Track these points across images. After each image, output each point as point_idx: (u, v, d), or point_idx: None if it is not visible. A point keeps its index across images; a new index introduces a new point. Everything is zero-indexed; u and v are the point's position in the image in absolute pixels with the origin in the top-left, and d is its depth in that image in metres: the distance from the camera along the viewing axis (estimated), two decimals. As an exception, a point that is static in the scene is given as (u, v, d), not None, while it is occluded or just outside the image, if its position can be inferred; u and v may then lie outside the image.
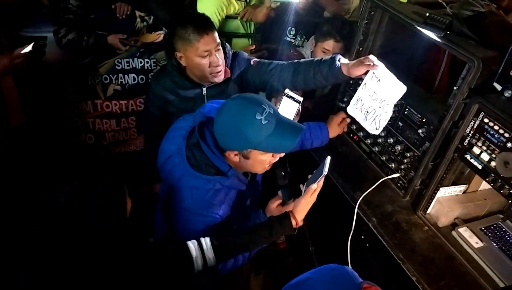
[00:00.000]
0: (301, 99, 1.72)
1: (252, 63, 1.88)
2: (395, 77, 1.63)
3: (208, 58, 1.75)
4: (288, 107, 1.71)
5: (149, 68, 2.68)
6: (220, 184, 1.45)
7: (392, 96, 1.65)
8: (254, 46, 2.52)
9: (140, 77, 2.69)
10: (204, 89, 1.90)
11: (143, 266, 1.34)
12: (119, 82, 2.67)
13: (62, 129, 2.55)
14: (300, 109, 1.77)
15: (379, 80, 1.65)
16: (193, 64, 1.79)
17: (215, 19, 2.59)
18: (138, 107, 2.76)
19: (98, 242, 1.26)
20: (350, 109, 1.82)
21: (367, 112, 1.75)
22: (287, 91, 1.71)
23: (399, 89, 1.62)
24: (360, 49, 2.04)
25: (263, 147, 1.36)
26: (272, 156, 1.45)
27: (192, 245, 1.38)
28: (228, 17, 2.70)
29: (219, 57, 1.77)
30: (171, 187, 1.53)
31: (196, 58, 1.75)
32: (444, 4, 1.83)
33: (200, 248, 1.38)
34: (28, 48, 1.98)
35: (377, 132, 1.76)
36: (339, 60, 1.66)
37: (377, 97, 1.69)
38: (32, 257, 1.16)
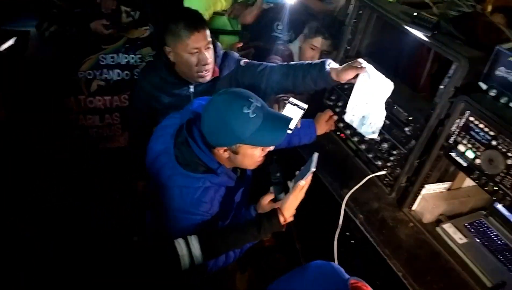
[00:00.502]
0: (305, 106, 1.71)
1: (242, 63, 1.86)
2: (383, 76, 1.64)
3: (197, 56, 1.73)
4: (292, 114, 1.69)
5: (134, 64, 2.64)
6: (209, 182, 1.44)
7: (382, 95, 1.65)
8: (241, 44, 2.51)
9: (125, 73, 2.65)
10: (192, 87, 1.88)
11: (129, 264, 1.32)
12: (103, 78, 2.63)
13: (44, 125, 2.49)
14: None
15: (369, 82, 1.64)
16: (181, 61, 1.76)
17: (206, 16, 2.57)
18: (122, 103, 2.72)
19: (94, 240, 1.24)
20: (347, 117, 1.80)
21: (363, 116, 1.74)
22: (291, 99, 1.71)
23: (387, 86, 1.63)
24: (348, 48, 2.06)
25: (252, 141, 1.35)
26: (262, 150, 1.44)
27: (179, 243, 1.37)
28: (216, 14, 2.68)
29: (209, 56, 1.75)
30: (160, 186, 1.51)
31: (185, 54, 1.72)
32: (431, 4, 1.86)
33: (187, 246, 1.37)
34: (10, 42, 1.92)
35: (374, 136, 1.75)
36: (328, 65, 1.65)
37: (369, 100, 1.68)
38: (32, 255, 1.13)
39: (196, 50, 1.71)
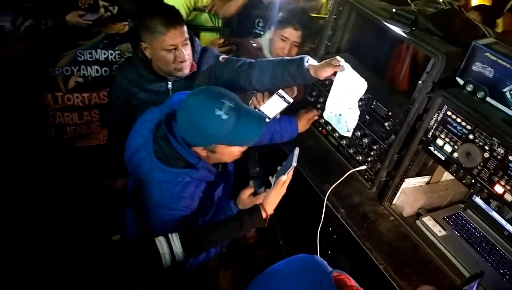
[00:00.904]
0: (291, 100, 1.71)
1: (220, 59, 1.84)
2: (358, 74, 1.63)
3: (174, 53, 1.70)
4: (275, 105, 1.70)
5: (113, 60, 2.59)
6: (189, 177, 1.42)
7: (356, 94, 1.65)
8: (222, 40, 2.48)
9: (103, 69, 2.60)
10: (170, 83, 1.85)
11: (110, 263, 1.29)
12: (81, 74, 2.57)
13: (21, 123, 2.42)
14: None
15: (346, 81, 1.64)
16: (157, 57, 1.73)
17: (183, 12, 2.54)
18: (101, 100, 2.67)
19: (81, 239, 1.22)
20: (326, 114, 1.81)
21: (340, 115, 1.75)
22: (280, 91, 1.71)
23: (361, 86, 1.63)
24: (329, 44, 2.07)
25: (227, 141, 1.35)
26: (241, 146, 1.44)
27: (159, 241, 1.35)
28: (196, 10, 2.66)
29: (186, 52, 1.72)
30: (139, 182, 1.49)
31: (161, 51, 1.69)
32: (409, 1, 1.88)
33: (168, 244, 1.35)
34: None
35: (349, 134, 1.76)
36: (307, 61, 1.64)
37: (346, 98, 1.69)
38: (26, 254, 1.10)
39: (172, 47, 1.68)
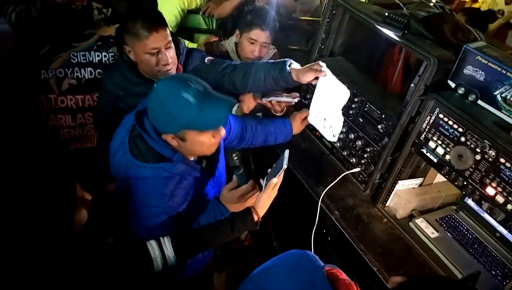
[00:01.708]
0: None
1: (206, 61, 1.84)
2: (340, 82, 1.62)
3: (157, 56, 1.69)
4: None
5: (107, 62, 2.57)
6: (167, 171, 1.40)
7: (339, 101, 1.64)
8: (217, 38, 2.48)
9: (97, 71, 2.58)
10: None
11: (102, 266, 1.29)
12: (75, 76, 2.55)
13: (13, 124, 2.40)
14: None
15: (328, 86, 1.63)
16: (141, 60, 1.73)
17: (177, 14, 2.54)
18: (95, 102, 2.64)
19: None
20: (310, 119, 1.80)
21: (325, 119, 1.74)
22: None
23: (344, 94, 1.61)
24: (322, 47, 2.08)
25: (195, 126, 1.33)
26: (213, 136, 1.41)
27: (151, 244, 1.34)
28: (190, 12, 2.66)
29: (169, 55, 1.71)
30: (120, 182, 1.49)
31: (144, 54, 1.69)
32: (401, 5, 1.90)
33: (160, 247, 1.35)
34: None
35: (334, 139, 1.75)
36: (289, 65, 1.63)
37: (329, 104, 1.68)
38: (25, 253, 1.09)
39: (155, 50, 1.68)
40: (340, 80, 1.94)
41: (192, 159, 1.49)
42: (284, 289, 0.97)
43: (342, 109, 1.92)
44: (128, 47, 1.72)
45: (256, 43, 2.07)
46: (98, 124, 2.37)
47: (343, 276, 0.98)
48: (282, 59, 1.67)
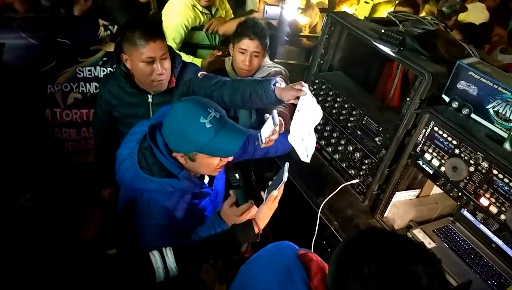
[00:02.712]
0: (278, 122, 1.61)
1: (199, 75, 1.89)
2: (316, 102, 1.61)
3: (152, 65, 1.74)
4: (267, 127, 1.65)
5: (112, 76, 2.65)
6: (171, 187, 1.44)
7: (313, 121, 1.64)
8: (220, 52, 2.55)
9: (102, 86, 2.66)
10: (150, 96, 1.90)
11: (104, 277, 1.32)
12: (80, 91, 2.62)
13: (19, 137, 2.46)
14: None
15: (307, 106, 1.62)
16: (136, 68, 1.78)
17: (181, 30, 2.62)
18: (99, 117, 2.72)
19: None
20: (290, 138, 1.71)
21: (302, 139, 1.71)
22: (274, 112, 1.63)
23: (317, 114, 1.61)
24: (322, 62, 2.15)
25: (207, 150, 1.38)
26: (220, 160, 1.46)
27: (154, 255, 1.37)
28: (194, 29, 2.74)
29: (164, 66, 1.76)
30: (125, 192, 1.53)
31: (140, 63, 1.74)
32: (397, 22, 1.97)
33: (162, 258, 1.37)
34: None
35: (307, 160, 1.69)
36: (274, 84, 1.66)
37: (306, 124, 1.66)
38: (26, 255, 1.13)
39: (150, 59, 1.72)
40: (338, 93, 2.02)
41: (195, 175, 1.54)
42: (264, 277, 1.08)
43: (341, 122, 1.98)
44: (126, 55, 1.78)
45: (246, 52, 2.09)
46: (93, 132, 2.43)
47: (316, 258, 1.07)
48: (269, 78, 1.72)
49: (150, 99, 1.89)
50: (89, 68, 2.59)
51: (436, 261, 0.87)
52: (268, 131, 1.58)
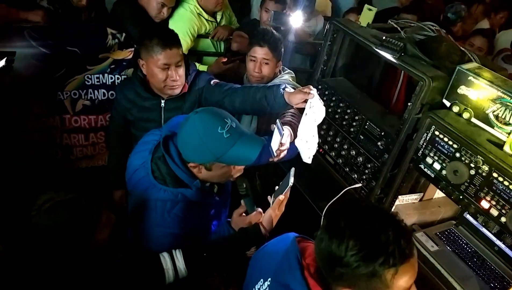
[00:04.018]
0: (283, 131, 1.66)
1: (211, 83, 1.94)
2: (321, 103, 1.62)
3: (166, 72, 1.81)
4: (275, 138, 1.68)
5: (120, 84, 2.71)
6: (184, 196, 1.47)
7: (316, 120, 1.63)
8: (225, 59, 2.60)
9: (110, 92, 2.70)
10: (163, 101, 1.95)
11: (115, 277, 1.35)
12: (89, 98, 2.67)
13: (29, 144, 2.52)
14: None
15: (314, 109, 1.63)
16: (151, 74, 1.85)
17: (187, 38, 2.67)
18: (107, 122, 2.76)
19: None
20: (297, 141, 1.72)
21: (307, 142, 1.71)
22: (277, 122, 1.67)
23: (321, 113, 1.61)
24: (325, 68, 2.19)
25: (225, 160, 1.41)
26: (233, 168, 1.49)
27: (163, 256, 1.40)
28: (200, 36, 2.79)
29: (178, 73, 1.83)
30: (137, 201, 1.55)
31: (155, 69, 1.81)
32: (399, 29, 2.01)
33: (172, 259, 1.40)
34: (1, 62, 1.98)
35: (309, 161, 1.71)
36: (283, 88, 1.70)
37: (311, 126, 1.66)
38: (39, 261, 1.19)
39: (166, 66, 1.79)
40: (341, 99, 2.05)
41: (207, 184, 1.56)
42: (268, 259, 1.20)
43: (344, 127, 2.00)
44: (142, 60, 1.86)
45: (256, 60, 2.12)
46: (109, 136, 2.50)
47: (310, 242, 1.14)
48: (278, 83, 1.76)
49: (162, 104, 1.95)
50: (97, 75, 2.64)
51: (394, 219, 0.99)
52: (276, 143, 1.61)
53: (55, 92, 2.57)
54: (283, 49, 2.22)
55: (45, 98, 2.55)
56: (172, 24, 2.65)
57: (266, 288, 1.14)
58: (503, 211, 1.42)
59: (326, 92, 2.13)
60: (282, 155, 1.71)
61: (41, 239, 1.23)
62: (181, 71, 1.85)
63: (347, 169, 2.01)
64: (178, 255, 1.41)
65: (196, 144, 1.39)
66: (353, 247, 0.91)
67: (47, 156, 2.65)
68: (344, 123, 2.03)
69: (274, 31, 2.21)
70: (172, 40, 1.81)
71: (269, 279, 1.14)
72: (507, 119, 1.49)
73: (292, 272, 1.05)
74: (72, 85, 2.60)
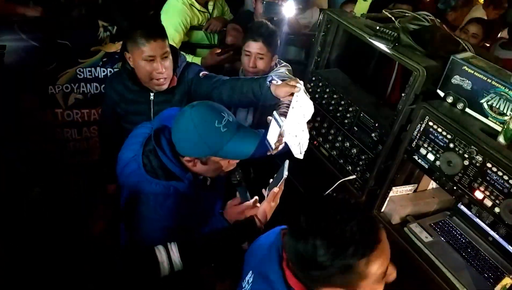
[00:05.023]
0: (282, 123, 1.62)
1: (201, 75, 1.91)
2: (308, 98, 1.62)
3: (152, 64, 1.77)
4: (273, 131, 1.65)
5: (112, 77, 2.68)
6: (176, 189, 1.46)
7: (306, 117, 1.63)
8: (219, 50, 2.57)
9: (102, 86, 2.67)
10: (152, 94, 1.92)
11: (109, 270, 1.35)
12: (81, 91, 2.65)
13: (21, 139, 2.50)
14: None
15: (301, 103, 1.61)
16: (137, 66, 1.82)
17: (180, 30, 2.64)
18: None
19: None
20: (286, 137, 1.66)
21: (296, 136, 1.69)
22: (274, 113, 1.64)
23: (310, 109, 1.61)
24: (318, 59, 2.17)
25: (221, 154, 1.41)
26: (228, 162, 1.48)
27: (159, 249, 1.39)
28: (193, 28, 2.76)
29: (164, 65, 1.79)
30: (129, 194, 1.53)
31: (141, 61, 1.78)
32: (393, 18, 1.98)
33: (167, 252, 1.40)
34: None
35: (301, 157, 1.69)
36: (270, 81, 1.69)
37: (300, 120, 1.65)
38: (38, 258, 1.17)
39: (151, 58, 1.76)
40: (335, 90, 2.04)
41: (200, 177, 1.55)
42: (257, 252, 1.22)
43: (338, 119, 1.99)
44: (128, 53, 1.82)
45: (251, 54, 2.10)
46: (99, 130, 2.48)
47: None
48: (265, 75, 1.74)
49: (151, 97, 1.93)
50: (89, 68, 2.61)
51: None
52: (275, 135, 1.59)
53: (47, 86, 2.54)
54: (279, 42, 2.20)
55: (36, 92, 2.53)
56: (164, 16, 2.62)
57: (250, 278, 1.17)
58: (497, 201, 1.41)
59: (320, 84, 2.12)
60: (280, 147, 1.69)
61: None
62: (168, 63, 1.81)
63: (341, 161, 2.00)
64: (174, 248, 1.40)
65: (193, 138, 1.37)
66: (321, 246, 0.91)
67: (41, 151, 2.63)
68: (338, 114, 2.01)
69: (269, 24, 2.19)
70: (156, 31, 1.78)
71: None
72: (501, 108, 1.48)
73: (271, 263, 1.07)
74: (64, 78, 2.58)
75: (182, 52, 2.25)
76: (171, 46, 1.85)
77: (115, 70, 2.66)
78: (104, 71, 2.65)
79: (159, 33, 1.79)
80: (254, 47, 2.08)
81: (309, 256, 0.92)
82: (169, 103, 1.90)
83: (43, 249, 1.22)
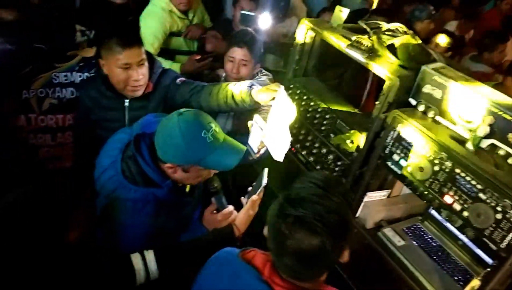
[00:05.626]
0: (264, 126, 1.66)
1: (177, 81, 1.91)
2: (290, 101, 1.62)
3: (127, 71, 1.75)
4: (255, 136, 1.69)
5: (89, 82, 2.65)
6: (155, 196, 1.45)
7: (288, 120, 1.63)
8: (199, 56, 2.58)
9: (78, 91, 2.64)
10: (127, 101, 1.90)
11: (84, 277, 1.32)
12: (56, 96, 2.60)
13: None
14: None
15: (281, 106, 1.62)
16: (112, 74, 1.79)
17: (159, 36, 2.64)
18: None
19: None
20: (265, 140, 1.69)
21: (277, 139, 1.69)
22: (255, 117, 1.66)
23: (292, 112, 1.60)
24: (296, 67, 2.21)
25: (204, 163, 1.41)
26: (209, 172, 1.50)
27: (135, 257, 1.38)
28: (172, 35, 2.76)
29: (140, 72, 1.77)
30: (106, 201, 1.51)
31: (116, 69, 1.75)
32: (369, 29, 2.05)
33: (143, 260, 1.38)
34: None
35: (281, 159, 1.69)
36: (250, 86, 1.70)
37: (281, 123, 1.65)
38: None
39: (126, 66, 1.73)
40: (312, 98, 2.08)
41: (180, 184, 1.54)
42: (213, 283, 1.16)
43: (315, 126, 2.03)
44: (102, 60, 1.79)
45: (234, 60, 2.12)
46: (74, 137, 2.44)
47: (256, 251, 1.15)
48: (245, 81, 1.76)
49: (126, 104, 1.90)
50: (65, 73, 2.56)
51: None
52: (257, 139, 1.60)
53: (21, 90, 2.49)
54: (262, 50, 2.23)
55: (10, 96, 2.47)
56: (143, 22, 2.61)
57: None
58: (466, 205, 1.47)
59: (298, 92, 2.16)
60: (262, 151, 1.71)
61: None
62: (144, 70, 1.79)
63: (318, 167, 2.03)
64: (150, 256, 1.39)
65: (178, 145, 1.36)
66: (322, 231, 0.99)
67: (11, 157, 2.56)
68: (315, 122, 2.05)
69: (254, 33, 2.22)
70: (132, 38, 1.75)
71: None
72: (469, 117, 1.55)
73: None
74: (39, 83, 2.52)
75: (158, 58, 2.25)
76: (146, 52, 1.83)
77: (92, 75, 2.63)
78: (80, 76, 2.60)
79: (135, 41, 1.76)
80: (239, 53, 2.11)
81: (315, 247, 1.02)
82: (144, 109, 1.87)
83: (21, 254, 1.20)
